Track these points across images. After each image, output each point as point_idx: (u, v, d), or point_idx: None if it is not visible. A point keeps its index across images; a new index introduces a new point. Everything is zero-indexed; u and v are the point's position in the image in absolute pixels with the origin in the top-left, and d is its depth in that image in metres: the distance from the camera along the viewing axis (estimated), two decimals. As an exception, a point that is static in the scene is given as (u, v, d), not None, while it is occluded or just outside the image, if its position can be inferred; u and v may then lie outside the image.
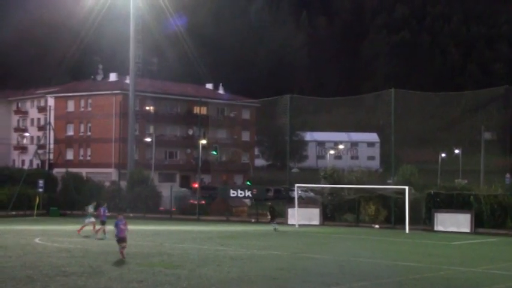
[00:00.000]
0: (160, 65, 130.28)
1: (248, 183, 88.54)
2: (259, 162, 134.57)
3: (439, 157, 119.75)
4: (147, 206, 67.92)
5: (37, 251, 34.18)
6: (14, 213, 67.33)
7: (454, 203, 51.05)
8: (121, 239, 28.86)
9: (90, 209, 44.35)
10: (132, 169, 74.68)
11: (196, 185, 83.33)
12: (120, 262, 27.91)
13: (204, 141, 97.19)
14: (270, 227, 50.77)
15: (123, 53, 79.05)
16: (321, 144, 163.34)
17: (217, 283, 23.94)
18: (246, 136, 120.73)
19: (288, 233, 48.21)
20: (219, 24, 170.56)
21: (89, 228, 43.04)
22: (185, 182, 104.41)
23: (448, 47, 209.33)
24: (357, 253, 34.36)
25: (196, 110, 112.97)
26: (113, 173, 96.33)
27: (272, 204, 54.11)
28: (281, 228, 51.25)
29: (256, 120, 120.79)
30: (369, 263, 29.99)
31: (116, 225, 29.75)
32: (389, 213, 54.14)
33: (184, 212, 67.10)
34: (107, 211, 43.65)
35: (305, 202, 61.03)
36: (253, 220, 60.75)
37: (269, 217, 52.21)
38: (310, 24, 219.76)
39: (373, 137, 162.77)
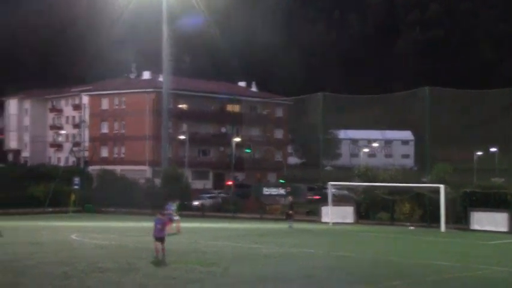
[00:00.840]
0: (194, 63, 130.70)
1: (281, 181, 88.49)
2: (292, 160, 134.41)
3: (475, 155, 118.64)
4: (182, 203, 68.04)
5: (73, 247, 34.49)
6: (50, 209, 67.93)
7: (491, 202, 50.43)
8: (157, 239, 28.84)
9: (172, 207, 43.98)
10: (166, 167, 74.98)
11: (230, 183, 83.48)
12: (155, 260, 27.98)
13: (237, 139, 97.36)
14: (301, 225, 50.59)
15: (156, 51, 79.29)
16: (354, 142, 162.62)
17: (252, 281, 23.93)
18: (279, 134, 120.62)
19: (312, 231, 48.04)
20: (252, 22, 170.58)
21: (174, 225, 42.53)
22: (218, 180, 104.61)
23: (482, 44, 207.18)
24: (391, 252, 34.16)
25: (230, 107, 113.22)
26: (147, 170, 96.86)
27: (293, 200, 53.35)
28: (315, 226, 51.10)
29: (289, 118, 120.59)
30: (403, 262, 29.79)
31: (154, 225, 29.06)
32: (424, 212, 53.67)
33: (218, 209, 67.22)
34: (172, 208, 43.71)
35: (339, 200, 60.75)
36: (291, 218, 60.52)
37: (290, 212, 50.73)
38: (342, 21, 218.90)
39: (407, 135, 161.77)
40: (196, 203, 69.57)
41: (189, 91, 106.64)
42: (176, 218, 42.87)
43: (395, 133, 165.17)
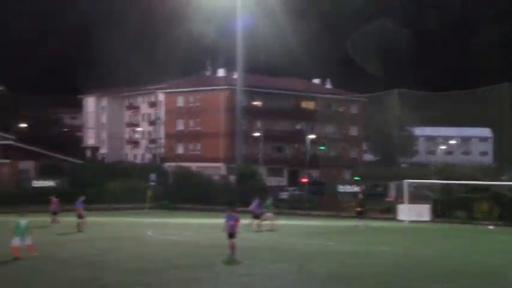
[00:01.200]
0: (268, 60, 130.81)
1: (356, 178, 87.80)
2: (368, 157, 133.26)
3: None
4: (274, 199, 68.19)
5: (150, 243, 34.95)
6: (127, 206, 69.02)
7: None
8: (230, 235, 28.94)
9: (268, 202, 44.07)
10: (240, 164, 75.30)
11: (304, 180, 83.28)
12: (229, 256, 28.09)
13: (312, 136, 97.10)
14: (377, 223, 50.11)
15: (231, 48, 79.71)
16: (430, 139, 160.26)
17: (326, 278, 23.82)
18: (354, 131, 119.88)
19: (388, 229, 47.50)
20: (324, 18, 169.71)
21: (267, 222, 42.63)
22: (293, 177, 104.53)
23: None
24: (467, 251, 33.53)
25: (304, 104, 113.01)
26: (221, 167, 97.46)
27: (363, 198, 52.49)
28: (391, 224, 50.56)
29: (364, 115, 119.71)
30: (479, 262, 29.16)
31: (226, 221, 29.24)
32: (503, 210, 52.50)
33: (293, 206, 67.11)
34: (257, 204, 44.01)
35: (415, 198, 59.91)
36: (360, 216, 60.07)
37: (359, 209, 49.72)
38: (417, 16, 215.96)
39: (485, 132, 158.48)
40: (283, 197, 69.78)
41: (263, 88, 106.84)
42: (269, 214, 42.88)
43: (473, 130, 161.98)
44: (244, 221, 49.51)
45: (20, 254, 27.65)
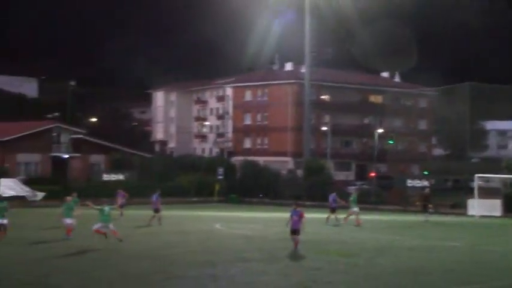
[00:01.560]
0: (336, 54, 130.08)
1: (425, 173, 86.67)
2: (437, 151, 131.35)
3: None
4: (324, 194, 67.98)
5: (217, 236, 35.14)
6: (195, 199, 69.65)
7: None
8: (293, 231, 28.56)
9: (353, 197, 43.83)
10: (308, 158, 75.16)
11: (372, 174, 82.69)
12: (294, 251, 27.97)
13: (380, 130, 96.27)
14: (447, 218, 49.37)
15: (299, 42, 79.54)
16: (502, 133, 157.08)
17: (394, 273, 23.58)
18: (422, 125, 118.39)
19: (458, 224, 46.71)
20: (393, 11, 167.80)
21: (353, 217, 42.52)
22: (361, 171, 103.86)
23: None
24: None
25: (373, 98, 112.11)
26: (289, 161, 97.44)
27: (429, 193, 51.51)
28: (461, 219, 49.77)
29: (434, 109, 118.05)
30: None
31: (290, 216, 28.89)
32: None
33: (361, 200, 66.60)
34: (334, 198, 44.09)
35: (486, 193, 58.77)
36: (430, 210, 59.24)
37: (424, 204, 48.79)
38: (491, 7, 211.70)
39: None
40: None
41: (331, 82, 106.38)
42: (355, 209, 42.59)
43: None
44: (313, 215, 49.46)
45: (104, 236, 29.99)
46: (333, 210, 43.01)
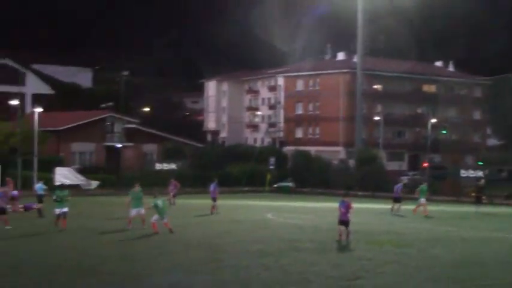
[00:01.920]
0: (389, 43, 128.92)
1: (479, 163, 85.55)
2: (491, 141, 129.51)
3: None
4: (376, 184, 67.67)
5: (269, 226, 35.20)
6: (246, 189, 69.86)
7: None
8: (341, 222, 28.24)
9: (423, 187, 43.57)
10: (360, 148, 74.79)
11: (425, 165, 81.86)
12: (341, 242, 27.76)
13: (433, 120, 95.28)
14: (501, 209, 48.63)
15: (351, 31, 79.16)
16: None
17: (447, 264, 23.34)
18: (476, 115, 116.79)
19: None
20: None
21: (421, 209, 42.33)
22: (414, 162, 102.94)
23: None
24: None
25: (426, 88, 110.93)
26: (340, 151, 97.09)
27: (483, 183, 50.71)
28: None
29: (488, 98, 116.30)
30: None
31: (338, 208, 28.49)
32: None
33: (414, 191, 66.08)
34: (400, 188, 44.15)
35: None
36: (484, 201, 58.50)
37: (477, 195, 48.03)
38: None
39: None
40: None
41: (384, 71, 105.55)
42: (423, 200, 42.35)
43: None
44: (365, 205, 49.24)
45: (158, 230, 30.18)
46: (398, 200, 43.05)
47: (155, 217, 30.74)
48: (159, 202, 30.87)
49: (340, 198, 29.17)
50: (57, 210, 31.27)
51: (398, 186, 44.19)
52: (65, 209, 31.25)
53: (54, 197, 31.88)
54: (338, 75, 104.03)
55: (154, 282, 19.76)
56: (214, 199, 41.70)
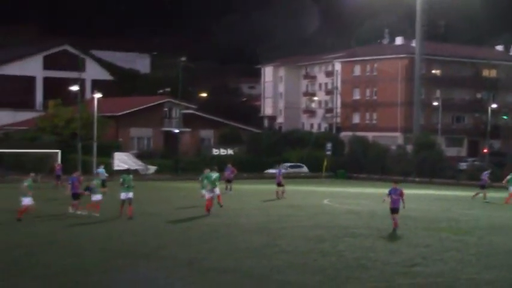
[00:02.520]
0: (448, 28, 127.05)
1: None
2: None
3: None
4: (434, 170, 66.94)
5: (326, 211, 35.18)
6: (302, 174, 69.80)
7: None
8: (392, 210, 27.68)
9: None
10: (418, 133, 74.03)
11: (485, 151, 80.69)
12: (392, 232, 27.38)
13: (493, 105, 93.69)
14: None
15: (409, 16, 78.18)
16: None
17: (507, 252, 23.06)
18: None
19: None
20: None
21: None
22: (473, 148, 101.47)
23: None
24: None
25: (486, 72, 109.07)
26: (398, 137, 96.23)
27: None
28: None
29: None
30: None
31: (388, 195, 27.93)
32: None
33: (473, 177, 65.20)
34: (488, 176, 44.09)
35: None
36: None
37: None
38: None
39: None
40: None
41: (443, 56, 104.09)
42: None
43: None
44: (422, 191, 48.76)
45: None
46: (483, 187, 43.03)
47: (207, 192, 31.76)
48: (213, 174, 32.07)
49: (392, 184, 28.50)
50: (123, 195, 30.94)
51: (485, 173, 44.48)
52: (130, 194, 30.91)
53: (120, 181, 31.74)
54: (396, 60, 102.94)
55: (212, 266, 19.93)
56: (279, 184, 41.96)
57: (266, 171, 68.21)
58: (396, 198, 27.52)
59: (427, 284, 17.97)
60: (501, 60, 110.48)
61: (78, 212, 31.68)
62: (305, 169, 71.33)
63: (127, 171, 33.26)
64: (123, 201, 30.98)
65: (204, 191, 33.39)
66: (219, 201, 33.00)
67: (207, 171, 33.91)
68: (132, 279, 18.38)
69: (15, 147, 61.99)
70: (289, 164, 68.20)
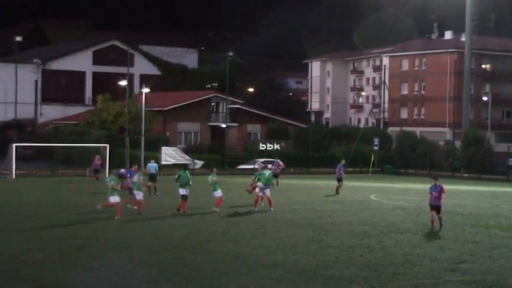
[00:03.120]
0: (500, 21, 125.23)
1: None
2: None
3: None
4: (483, 166, 66.15)
5: (372, 207, 35.01)
6: (350, 169, 69.47)
7: None
8: (432, 207, 26.92)
9: None
10: (467, 129, 73.19)
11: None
12: (430, 230, 26.88)
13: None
14: None
15: (459, 10, 77.21)
16: None
17: (559, 250, 22.66)
18: None
19: None
20: None
21: None
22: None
23: None
24: None
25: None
26: (447, 132, 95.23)
27: None
28: None
29: None
30: None
31: (430, 192, 27.19)
32: None
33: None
34: None
35: None
36: None
37: None
38: None
39: None
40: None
41: (493, 50, 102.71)
42: None
43: None
44: (471, 187, 48.19)
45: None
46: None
47: (259, 189, 31.92)
48: (267, 172, 32.24)
49: (432, 181, 27.86)
50: (182, 191, 30.81)
51: None
52: (185, 191, 30.72)
53: (176, 176, 31.58)
54: (445, 54, 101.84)
55: (258, 261, 19.99)
56: (339, 179, 42.02)
57: (239, 166, 66.83)
58: (436, 195, 26.79)
59: (476, 281, 17.77)
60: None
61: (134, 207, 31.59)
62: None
63: (184, 168, 32.78)
64: (183, 196, 30.78)
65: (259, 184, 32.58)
66: (270, 207, 31.93)
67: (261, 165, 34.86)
68: (178, 271, 18.52)
69: (64, 141, 62.94)
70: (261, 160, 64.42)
